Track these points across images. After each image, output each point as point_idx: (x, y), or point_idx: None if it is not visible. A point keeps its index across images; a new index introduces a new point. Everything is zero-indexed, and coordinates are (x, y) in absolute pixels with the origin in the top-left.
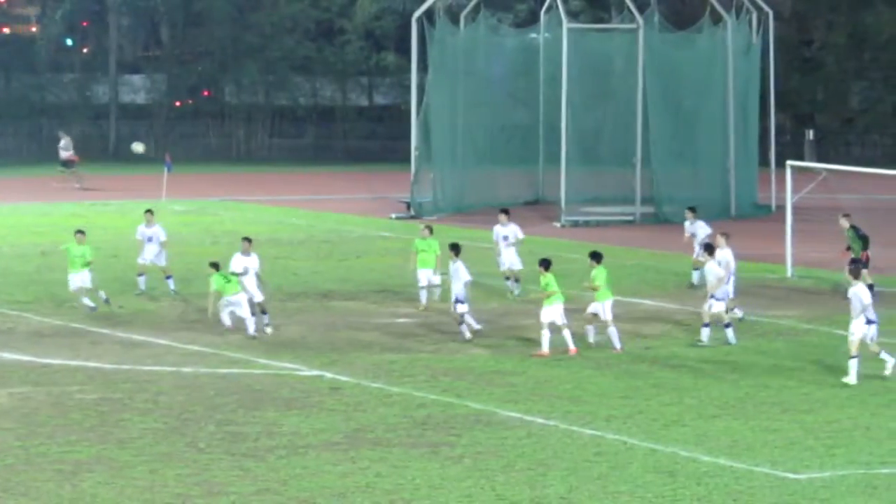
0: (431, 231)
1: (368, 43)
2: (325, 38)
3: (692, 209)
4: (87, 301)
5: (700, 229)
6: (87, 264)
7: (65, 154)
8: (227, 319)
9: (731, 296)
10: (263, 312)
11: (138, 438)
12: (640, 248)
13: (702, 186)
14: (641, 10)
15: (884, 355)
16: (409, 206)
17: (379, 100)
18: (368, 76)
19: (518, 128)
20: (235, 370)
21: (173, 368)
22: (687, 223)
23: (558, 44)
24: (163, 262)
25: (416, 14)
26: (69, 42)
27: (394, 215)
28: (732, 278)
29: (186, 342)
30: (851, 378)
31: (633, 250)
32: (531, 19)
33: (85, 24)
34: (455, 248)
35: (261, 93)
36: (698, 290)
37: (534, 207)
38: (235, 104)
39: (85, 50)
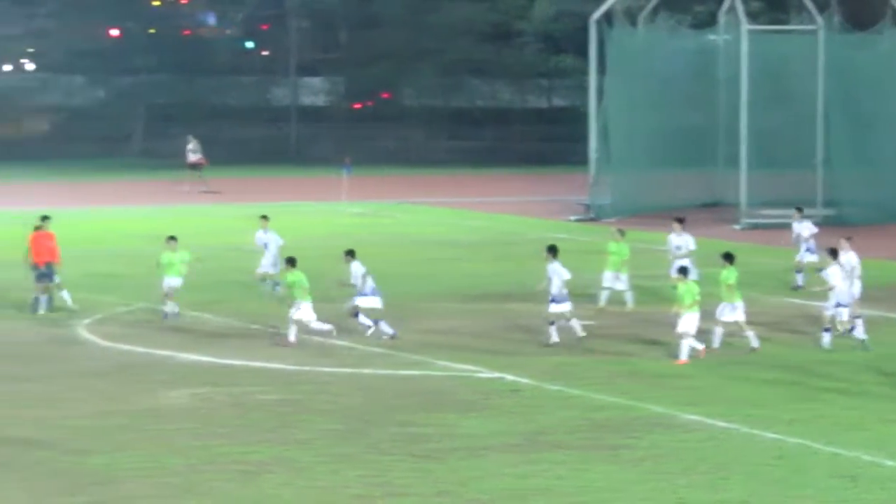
0: (623, 234)
1: (546, 45)
2: (502, 39)
3: (799, 209)
4: (170, 307)
5: (805, 229)
6: (183, 270)
7: (193, 157)
8: (292, 335)
9: (857, 298)
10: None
11: (318, 439)
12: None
13: (883, 188)
14: (821, 11)
15: None
16: (587, 208)
17: (557, 101)
18: (547, 78)
19: (695, 130)
20: (415, 372)
21: (353, 370)
22: (794, 223)
23: (737, 45)
24: (274, 270)
25: (595, 16)
26: (249, 45)
27: (573, 217)
28: (858, 282)
29: (365, 344)
30: None
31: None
32: (710, 21)
33: (264, 27)
34: (552, 250)
35: (438, 95)
36: (883, 293)
37: (711, 210)
38: (413, 107)
39: (264, 53)
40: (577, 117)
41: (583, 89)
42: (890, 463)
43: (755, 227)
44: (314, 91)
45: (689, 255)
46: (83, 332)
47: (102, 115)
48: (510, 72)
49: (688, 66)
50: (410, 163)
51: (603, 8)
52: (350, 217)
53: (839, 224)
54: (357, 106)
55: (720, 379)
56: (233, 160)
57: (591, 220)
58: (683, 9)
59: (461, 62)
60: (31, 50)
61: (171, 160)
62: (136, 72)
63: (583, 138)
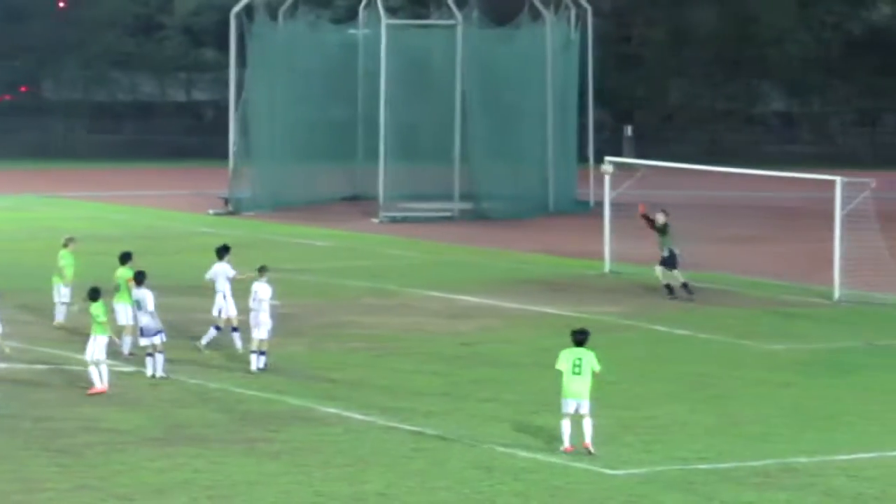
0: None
1: (188, 38)
2: (144, 33)
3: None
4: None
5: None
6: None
7: None
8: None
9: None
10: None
11: None
12: (459, 245)
13: (521, 182)
14: (460, 6)
15: None
16: (226, 201)
17: (197, 95)
18: (187, 71)
19: (337, 123)
20: (50, 366)
21: None
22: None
23: (377, 40)
24: None
25: (235, 9)
26: None
27: (211, 211)
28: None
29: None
30: None
31: (452, 247)
32: (351, 15)
33: None
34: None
35: (80, 88)
36: (522, 286)
37: (352, 203)
38: (54, 100)
39: None
40: (218, 111)
41: (223, 83)
42: (524, 454)
43: (394, 220)
44: None
45: None
46: None
47: None
48: (151, 65)
49: (329, 60)
50: (51, 156)
51: (243, 2)
52: None
53: (478, 218)
54: None
55: (359, 374)
56: None
57: (230, 213)
58: (324, 3)
59: (104, 55)
60: None
61: None
62: None
63: (224, 132)
